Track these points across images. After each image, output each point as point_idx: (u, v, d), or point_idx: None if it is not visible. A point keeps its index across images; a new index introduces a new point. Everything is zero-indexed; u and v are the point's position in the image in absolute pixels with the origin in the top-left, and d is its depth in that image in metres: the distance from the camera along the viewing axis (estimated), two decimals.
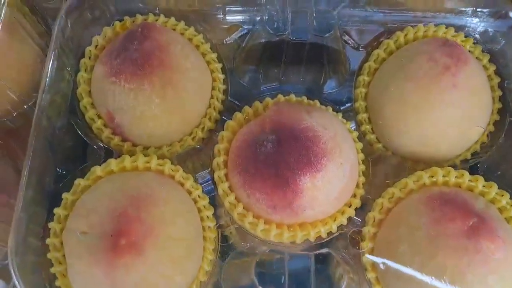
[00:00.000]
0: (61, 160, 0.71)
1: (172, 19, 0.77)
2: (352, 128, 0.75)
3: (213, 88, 0.76)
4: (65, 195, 0.65)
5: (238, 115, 0.71)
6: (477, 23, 0.79)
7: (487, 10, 0.78)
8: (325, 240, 0.68)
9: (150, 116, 0.69)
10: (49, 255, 0.63)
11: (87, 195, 0.63)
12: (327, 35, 0.75)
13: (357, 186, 0.69)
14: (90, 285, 0.59)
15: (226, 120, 0.72)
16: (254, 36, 0.80)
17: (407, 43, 0.76)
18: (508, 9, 0.76)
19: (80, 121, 0.74)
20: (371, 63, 0.76)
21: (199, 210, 0.68)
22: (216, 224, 0.69)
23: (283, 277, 0.69)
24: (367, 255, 0.65)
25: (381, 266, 0.62)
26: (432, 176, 0.67)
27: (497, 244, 0.58)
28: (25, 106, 0.76)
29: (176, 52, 0.70)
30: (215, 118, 0.75)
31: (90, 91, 0.74)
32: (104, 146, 0.73)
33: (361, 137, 0.75)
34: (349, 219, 0.68)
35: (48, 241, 0.63)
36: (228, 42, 0.82)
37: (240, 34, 0.81)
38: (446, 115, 0.68)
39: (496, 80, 0.75)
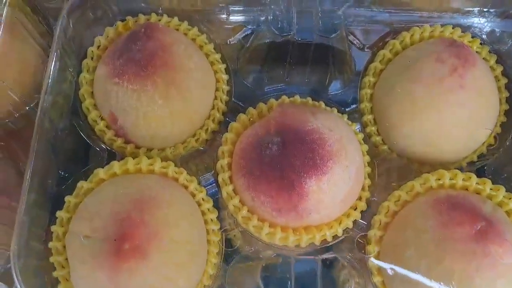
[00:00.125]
0: (64, 162, 0.71)
1: (175, 19, 0.76)
2: (357, 129, 0.74)
3: (216, 89, 0.75)
4: (67, 198, 0.64)
5: (242, 116, 0.70)
6: (484, 23, 0.78)
7: (494, 10, 0.77)
8: (331, 243, 0.67)
9: (153, 118, 0.68)
10: (51, 259, 0.62)
11: (90, 198, 0.63)
12: (333, 35, 0.74)
13: (363, 188, 0.68)
14: None
15: (229, 122, 0.71)
16: (258, 37, 0.79)
17: (413, 44, 0.75)
18: None
19: (83, 123, 0.73)
20: (376, 64, 0.75)
21: (203, 213, 0.68)
22: (220, 227, 0.68)
23: (289, 282, 0.68)
24: (374, 260, 0.64)
25: (389, 271, 0.61)
26: (439, 179, 0.66)
27: (505, 248, 0.57)
28: (27, 108, 0.75)
29: (180, 52, 0.69)
30: (219, 119, 0.75)
31: (92, 92, 0.73)
32: (107, 148, 0.72)
33: (367, 139, 0.74)
34: (354, 222, 0.67)
35: (50, 244, 0.63)
36: (231, 43, 0.81)
37: (244, 35, 0.80)
38: (453, 116, 0.67)
39: (503, 81, 0.75)
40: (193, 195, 0.68)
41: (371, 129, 0.75)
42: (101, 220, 0.58)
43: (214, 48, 0.77)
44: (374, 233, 0.66)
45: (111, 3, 0.77)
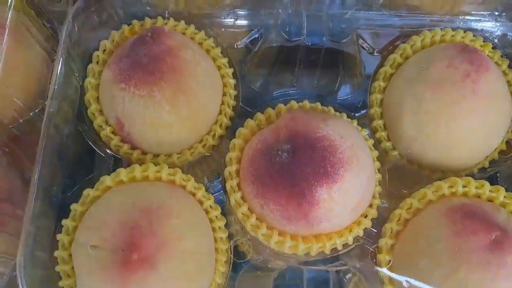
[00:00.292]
0: (69, 169, 0.70)
1: (182, 23, 0.75)
2: (367, 135, 0.73)
3: (224, 94, 0.74)
4: (73, 206, 0.63)
5: (250, 122, 0.69)
6: (495, 27, 0.77)
7: (506, 13, 0.76)
8: (341, 252, 0.66)
9: (161, 124, 0.67)
10: (57, 268, 0.61)
11: (97, 207, 0.62)
12: (344, 40, 0.73)
13: (373, 196, 0.67)
14: None
15: (236, 126, 0.70)
16: (267, 41, 0.77)
17: (424, 48, 0.74)
18: None
19: (88, 128, 0.72)
20: (387, 68, 0.74)
21: (211, 221, 0.66)
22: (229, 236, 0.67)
23: None
24: (388, 272, 0.63)
25: (405, 284, 0.60)
26: (452, 187, 0.65)
27: None
28: (31, 113, 0.73)
29: (187, 57, 0.68)
30: (226, 124, 0.73)
31: (98, 97, 0.72)
32: (113, 154, 0.71)
33: (376, 144, 0.73)
34: (365, 229, 0.66)
35: (56, 253, 0.61)
36: (239, 46, 0.80)
37: (251, 38, 0.79)
38: (466, 123, 0.66)
39: None
40: (201, 203, 0.67)
41: (381, 134, 0.74)
42: (109, 230, 0.57)
43: (221, 52, 0.76)
44: (385, 242, 0.65)
45: (117, 7, 0.76)
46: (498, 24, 0.77)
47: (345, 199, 0.61)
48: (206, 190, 0.68)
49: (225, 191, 0.67)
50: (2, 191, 0.67)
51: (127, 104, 0.66)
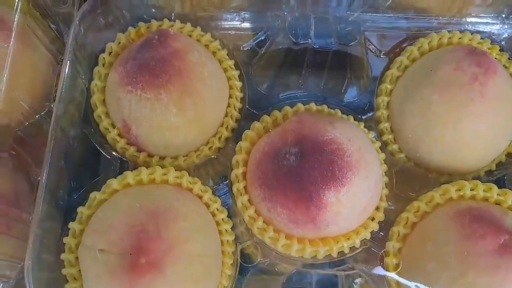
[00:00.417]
0: (75, 172, 0.69)
1: (188, 25, 0.75)
2: (373, 138, 0.72)
3: (230, 96, 0.74)
4: (80, 209, 0.63)
5: (256, 124, 0.69)
6: (502, 30, 0.77)
7: None
8: (348, 255, 0.66)
9: (167, 127, 0.67)
10: (64, 271, 0.61)
11: (104, 210, 0.61)
12: (352, 43, 0.72)
13: (380, 198, 0.67)
14: None
15: (242, 129, 0.70)
16: (274, 43, 0.77)
17: (431, 50, 0.74)
18: None
19: (94, 131, 0.72)
20: (393, 71, 0.74)
21: (218, 223, 0.66)
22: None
23: None
24: (397, 277, 0.63)
25: None
26: (459, 190, 0.65)
27: None
28: (37, 116, 0.73)
29: (194, 60, 0.68)
30: (232, 126, 0.73)
31: (104, 100, 0.72)
32: (119, 157, 0.71)
33: (383, 147, 0.73)
34: (372, 233, 0.66)
35: (63, 256, 0.61)
36: (245, 49, 0.79)
37: (257, 40, 0.79)
38: (474, 126, 0.66)
39: None
40: (208, 205, 0.66)
41: (388, 137, 0.73)
42: (116, 233, 0.57)
43: (228, 54, 0.75)
44: (392, 245, 0.65)
45: (123, 9, 0.76)
46: (506, 27, 0.77)
47: (353, 203, 0.61)
48: (213, 192, 0.68)
49: (232, 194, 0.67)
50: (8, 194, 0.66)
51: (133, 107, 0.66)
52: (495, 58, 0.73)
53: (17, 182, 0.68)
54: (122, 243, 0.56)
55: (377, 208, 0.66)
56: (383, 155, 0.69)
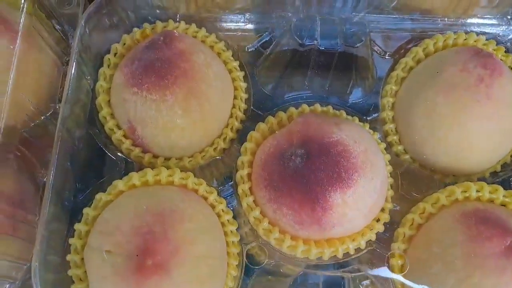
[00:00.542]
0: (80, 173, 0.70)
1: (193, 26, 0.75)
2: (378, 139, 0.72)
3: (235, 97, 0.74)
4: (86, 211, 0.63)
5: (261, 125, 0.69)
6: (508, 31, 0.77)
7: None
8: (353, 256, 0.65)
9: (173, 128, 0.67)
10: (69, 272, 0.61)
11: (110, 212, 0.61)
12: (358, 45, 0.72)
13: (386, 200, 0.67)
14: None
15: (247, 130, 0.70)
16: (279, 44, 0.77)
17: (436, 51, 0.74)
18: None
19: (99, 132, 0.72)
20: (398, 72, 0.74)
21: (223, 225, 0.66)
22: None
23: None
24: (405, 280, 0.63)
25: None
26: (465, 191, 0.65)
27: None
28: (42, 117, 0.73)
29: (199, 61, 0.68)
30: (237, 127, 0.73)
31: (109, 101, 0.72)
32: (124, 158, 0.71)
33: (388, 148, 0.73)
34: (377, 234, 0.66)
35: (68, 257, 0.61)
36: (249, 50, 0.79)
37: (262, 41, 0.79)
38: (479, 127, 0.66)
39: None
40: (213, 207, 0.66)
41: (393, 138, 0.73)
42: (122, 235, 0.57)
43: (232, 55, 0.76)
44: (397, 246, 0.65)
45: (128, 10, 0.76)
46: (511, 28, 0.76)
47: (359, 204, 0.61)
48: (218, 194, 0.68)
49: (237, 195, 0.67)
50: (14, 195, 0.66)
51: (139, 108, 0.66)
52: (501, 60, 0.73)
53: (22, 183, 0.68)
54: (128, 244, 0.56)
55: (383, 210, 0.66)
56: (388, 156, 0.69)
